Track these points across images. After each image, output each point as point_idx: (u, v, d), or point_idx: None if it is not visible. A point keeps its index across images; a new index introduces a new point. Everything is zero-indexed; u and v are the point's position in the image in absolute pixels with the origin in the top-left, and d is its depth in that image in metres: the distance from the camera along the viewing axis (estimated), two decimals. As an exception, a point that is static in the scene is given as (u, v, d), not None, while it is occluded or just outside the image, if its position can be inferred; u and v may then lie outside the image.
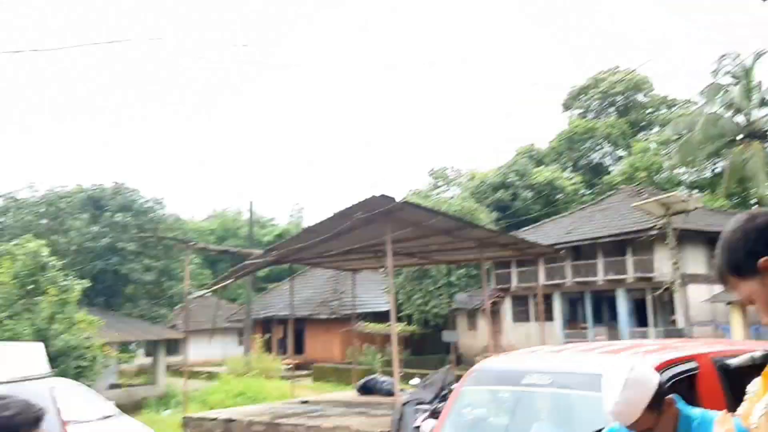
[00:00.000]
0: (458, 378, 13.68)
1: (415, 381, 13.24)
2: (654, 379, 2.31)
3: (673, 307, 25.38)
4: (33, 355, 3.37)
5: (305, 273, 36.20)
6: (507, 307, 30.80)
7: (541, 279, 24.33)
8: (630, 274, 26.35)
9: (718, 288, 23.20)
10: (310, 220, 55.71)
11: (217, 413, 16.23)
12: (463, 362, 30.37)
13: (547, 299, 29.34)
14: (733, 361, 4.32)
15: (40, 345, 3.53)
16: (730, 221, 1.63)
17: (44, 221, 25.51)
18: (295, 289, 22.75)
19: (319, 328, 34.25)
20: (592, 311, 28.24)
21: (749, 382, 4.70)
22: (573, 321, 28.75)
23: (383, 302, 34.01)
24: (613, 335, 26.95)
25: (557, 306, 28.42)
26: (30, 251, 15.45)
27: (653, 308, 26.36)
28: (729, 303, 20.40)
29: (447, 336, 20.92)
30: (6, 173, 78.06)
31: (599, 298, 28.61)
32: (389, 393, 17.68)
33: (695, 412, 2.42)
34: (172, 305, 29.32)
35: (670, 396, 2.41)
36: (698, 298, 24.09)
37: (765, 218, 1.57)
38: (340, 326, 34.28)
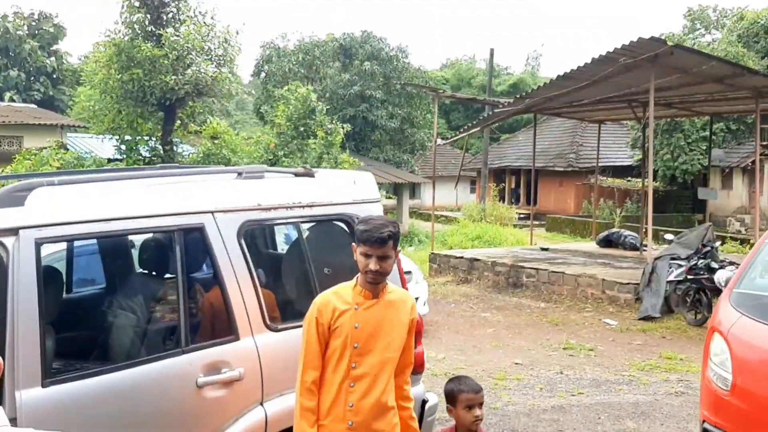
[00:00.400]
0: (717, 237, 13.01)
1: (669, 237, 12.84)
2: None
3: None
4: (367, 182, 3.89)
5: (541, 124, 35.57)
6: (770, 167, 27.84)
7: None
8: None
9: None
10: (547, 69, 53.63)
11: (461, 252, 17.33)
12: (713, 222, 28.50)
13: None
14: None
15: (371, 175, 4.04)
16: None
17: (302, 69, 27.65)
18: (530, 141, 22.63)
19: (553, 180, 34.01)
20: None
21: None
22: None
23: (624, 156, 32.56)
24: None
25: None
26: (301, 96, 17.08)
27: None
28: None
29: (703, 193, 19.63)
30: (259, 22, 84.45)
31: None
32: (633, 247, 17.42)
33: None
34: (413, 151, 30.83)
35: None
36: None
37: None
38: (576, 179, 33.69)
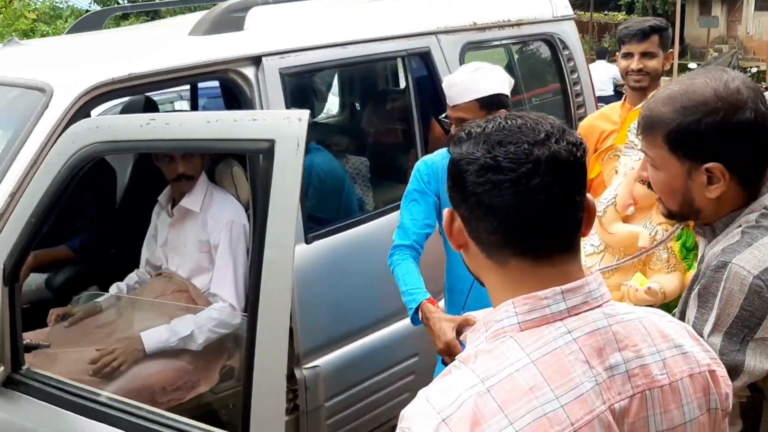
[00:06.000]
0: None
1: (692, 66, 12.70)
2: None
3: None
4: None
5: None
6: (752, -7, 27.37)
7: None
8: None
9: None
10: None
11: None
12: (691, 53, 28.30)
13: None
14: None
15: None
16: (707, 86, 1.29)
17: None
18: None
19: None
20: None
21: None
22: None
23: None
24: None
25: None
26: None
27: None
28: None
29: (705, 22, 19.35)
30: None
31: None
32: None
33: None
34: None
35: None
36: None
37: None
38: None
